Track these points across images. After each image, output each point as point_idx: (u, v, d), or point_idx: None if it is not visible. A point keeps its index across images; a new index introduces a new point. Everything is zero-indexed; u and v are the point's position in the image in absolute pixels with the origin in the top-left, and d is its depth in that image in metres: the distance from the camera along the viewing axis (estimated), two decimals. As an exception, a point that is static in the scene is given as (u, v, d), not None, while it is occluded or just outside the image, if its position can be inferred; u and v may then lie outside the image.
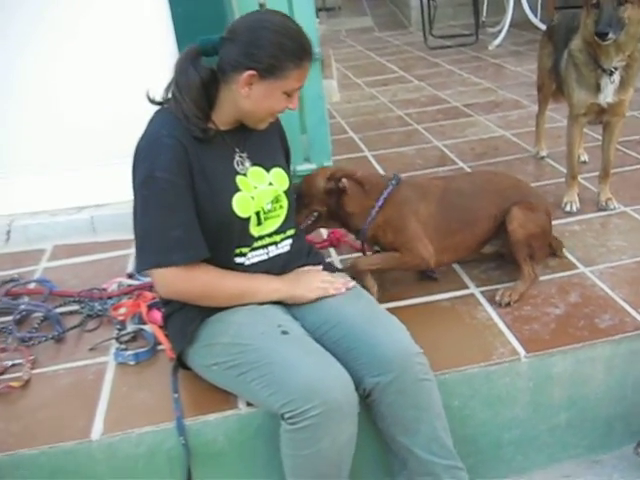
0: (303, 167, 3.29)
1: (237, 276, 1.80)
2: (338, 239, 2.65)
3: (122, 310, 2.33)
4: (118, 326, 2.26)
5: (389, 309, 1.99)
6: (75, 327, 2.31)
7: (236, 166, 1.80)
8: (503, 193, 2.22)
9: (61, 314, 2.38)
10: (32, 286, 2.62)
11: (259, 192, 1.82)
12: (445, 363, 1.89)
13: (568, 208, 2.71)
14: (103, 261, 2.79)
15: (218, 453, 1.84)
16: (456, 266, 2.38)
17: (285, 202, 1.90)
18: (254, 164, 1.83)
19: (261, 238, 1.85)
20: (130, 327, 2.25)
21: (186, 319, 1.82)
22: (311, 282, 1.86)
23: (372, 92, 5.09)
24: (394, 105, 4.62)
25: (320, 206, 2.15)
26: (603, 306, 2.08)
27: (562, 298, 2.14)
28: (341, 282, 1.88)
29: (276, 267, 1.87)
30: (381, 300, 2.07)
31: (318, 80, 3.19)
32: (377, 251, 2.27)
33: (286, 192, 1.90)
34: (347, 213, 2.17)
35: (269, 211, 1.84)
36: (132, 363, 2.07)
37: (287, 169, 1.95)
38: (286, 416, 1.58)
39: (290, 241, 1.92)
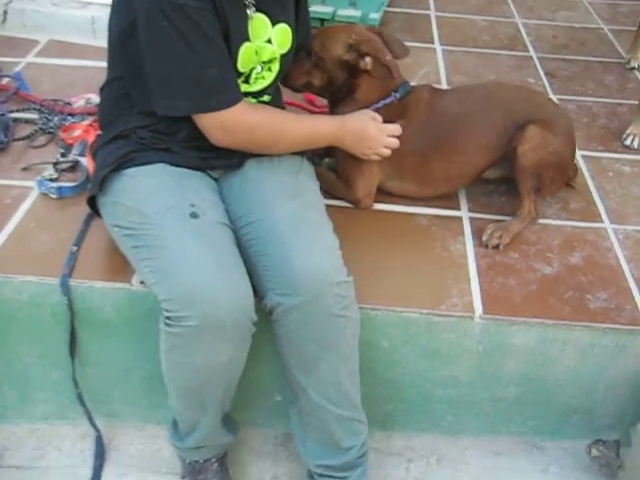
0: (346, 13, 2.82)
1: (299, 119, 1.61)
2: (311, 100, 2.26)
3: (74, 133, 2.06)
4: (62, 150, 2.00)
5: (343, 208, 1.73)
6: (22, 139, 2.06)
7: (248, 11, 1.45)
8: (510, 108, 1.76)
9: (15, 120, 2.13)
10: (4, 81, 2.36)
11: (260, 47, 1.49)
12: (381, 297, 1.56)
13: (628, 142, 2.19)
14: (89, 70, 2.47)
15: (105, 322, 1.62)
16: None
17: (276, 67, 1.55)
18: (259, 10, 1.47)
19: None
20: (73, 155, 1.98)
21: (104, 161, 1.52)
22: (371, 146, 1.69)
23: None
24: (493, -39, 3.89)
25: (322, 74, 1.74)
26: (606, 279, 1.66)
27: (562, 255, 1.73)
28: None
29: None
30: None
31: None
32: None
33: (283, 56, 1.54)
34: (348, 96, 1.76)
35: (260, 72, 1.52)
36: (54, 197, 1.82)
37: (294, 28, 1.56)
38: (164, 313, 1.34)
39: None
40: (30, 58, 2.54)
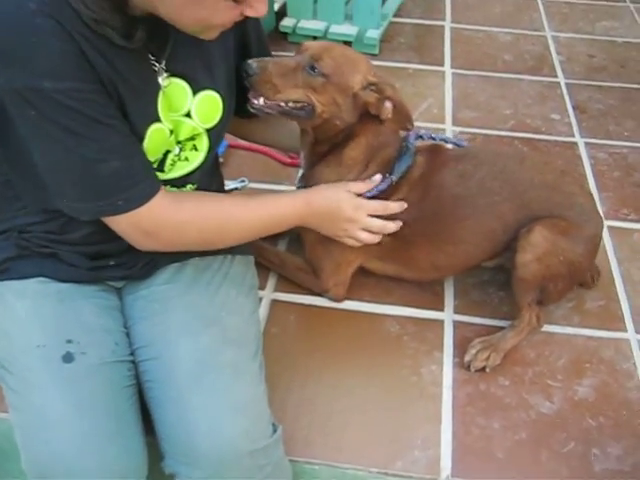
0: (339, 29, 2.42)
1: (248, 203, 1.20)
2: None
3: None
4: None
5: (297, 305, 1.43)
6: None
7: (160, 80, 1.07)
8: (527, 197, 1.34)
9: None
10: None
11: (176, 122, 1.12)
12: (320, 446, 1.21)
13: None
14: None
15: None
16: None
17: (204, 145, 1.17)
18: (176, 75, 1.09)
19: None
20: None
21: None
22: (345, 228, 1.32)
23: None
24: (528, -45, 3.41)
25: (326, 102, 1.25)
26: (622, 424, 1.26)
27: (567, 382, 1.34)
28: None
29: None
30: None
31: None
32: None
33: (211, 131, 1.16)
34: (332, 153, 1.35)
35: (178, 154, 1.15)
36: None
37: (227, 94, 1.18)
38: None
39: None
40: None
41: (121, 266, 1.19)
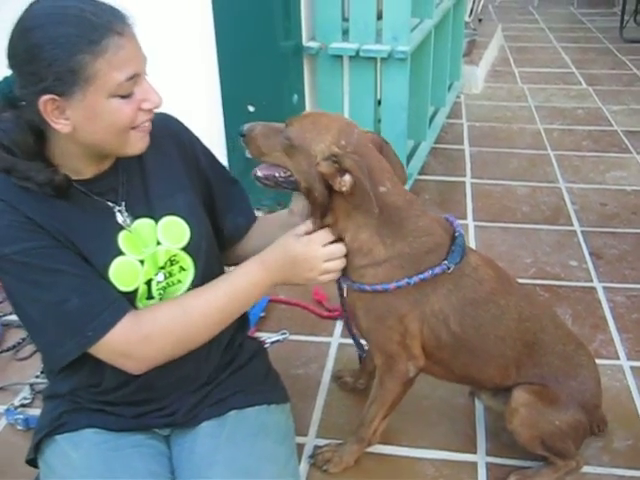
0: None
1: (202, 292, 1.25)
2: (320, 301, 2.05)
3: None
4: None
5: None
6: (7, 350, 1.95)
7: (120, 221, 1.24)
8: (543, 359, 1.40)
9: (6, 325, 2.04)
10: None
11: (149, 255, 1.26)
12: None
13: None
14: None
15: None
16: (478, 407, 1.67)
17: (188, 262, 1.30)
18: (138, 216, 1.25)
19: None
20: (52, 373, 1.83)
21: (41, 421, 1.36)
22: (310, 269, 1.27)
23: (523, 89, 4.19)
24: (539, 114, 3.72)
25: (292, 167, 1.25)
26: None
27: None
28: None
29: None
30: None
31: (403, 84, 2.49)
32: None
33: (187, 248, 1.29)
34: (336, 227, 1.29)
35: (164, 280, 1.28)
36: (20, 428, 1.66)
37: (190, 211, 1.31)
38: None
39: None
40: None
41: (163, 410, 1.32)
